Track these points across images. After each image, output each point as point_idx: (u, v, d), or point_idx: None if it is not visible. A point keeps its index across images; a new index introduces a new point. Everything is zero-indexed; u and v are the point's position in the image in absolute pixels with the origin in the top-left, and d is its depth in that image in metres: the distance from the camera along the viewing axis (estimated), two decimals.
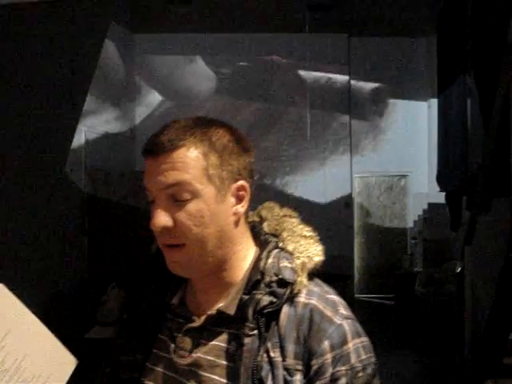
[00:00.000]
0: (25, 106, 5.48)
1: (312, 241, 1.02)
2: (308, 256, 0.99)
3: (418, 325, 6.75)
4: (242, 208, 1.00)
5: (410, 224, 9.10)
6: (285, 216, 1.07)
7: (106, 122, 7.55)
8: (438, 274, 6.77)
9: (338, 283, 8.76)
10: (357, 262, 9.28)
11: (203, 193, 0.95)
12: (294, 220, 1.06)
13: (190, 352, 0.99)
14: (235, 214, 0.99)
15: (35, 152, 5.62)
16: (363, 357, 0.95)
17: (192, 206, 0.94)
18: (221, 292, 1.01)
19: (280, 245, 1.01)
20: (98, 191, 6.65)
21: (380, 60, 9.13)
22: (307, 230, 1.04)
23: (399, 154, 8.97)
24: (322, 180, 8.88)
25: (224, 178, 0.97)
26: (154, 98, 9.03)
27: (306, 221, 1.09)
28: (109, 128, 7.60)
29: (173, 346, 1.01)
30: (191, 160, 0.94)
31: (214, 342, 0.98)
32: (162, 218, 0.94)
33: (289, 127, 9.05)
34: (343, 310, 0.98)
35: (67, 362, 1.00)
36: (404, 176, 9.27)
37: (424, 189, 8.82)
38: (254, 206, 1.08)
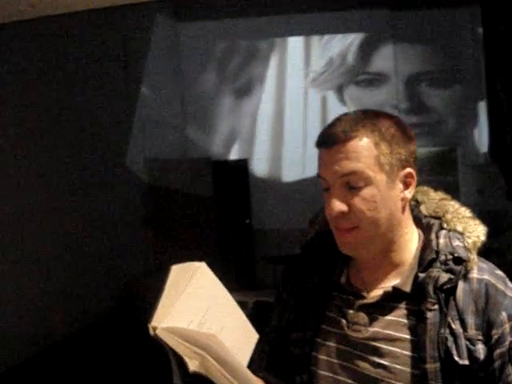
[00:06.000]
0: (84, 104, 5.67)
1: (478, 221, 1.11)
2: (477, 236, 1.08)
3: None
4: (409, 194, 1.08)
5: (465, 197, 8.99)
6: (442, 199, 1.15)
7: (159, 113, 7.69)
8: (497, 244, 6.73)
9: None
10: None
11: (375, 180, 1.03)
12: (453, 203, 1.14)
13: (366, 326, 1.08)
14: (403, 199, 1.07)
15: (96, 147, 5.81)
16: None
17: (366, 192, 1.03)
18: (388, 271, 1.10)
19: (444, 226, 1.09)
20: (158, 180, 6.82)
21: (423, 35, 8.95)
22: (469, 212, 1.12)
23: (449, 126, 8.87)
24: None
25: (394, 165, 1.05)
26: (202, 84, 9.11)
27: None
28: (162, 118, 7.75)
29: (344, 321, 1.10)
30: (364, 149, 1.03)
31: (389, 317, 1.06)
32: (337, 204, 1.04)
33: None
34: (510, 283, 1.07)
35: (252, 337, 1.10)
36: (454, 148, 9.15)
37: (476, 160, 8.71)
38: None
